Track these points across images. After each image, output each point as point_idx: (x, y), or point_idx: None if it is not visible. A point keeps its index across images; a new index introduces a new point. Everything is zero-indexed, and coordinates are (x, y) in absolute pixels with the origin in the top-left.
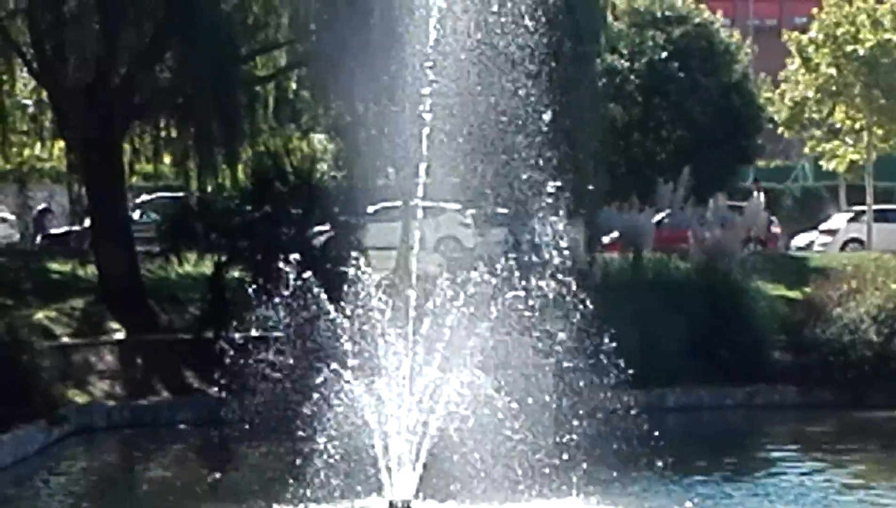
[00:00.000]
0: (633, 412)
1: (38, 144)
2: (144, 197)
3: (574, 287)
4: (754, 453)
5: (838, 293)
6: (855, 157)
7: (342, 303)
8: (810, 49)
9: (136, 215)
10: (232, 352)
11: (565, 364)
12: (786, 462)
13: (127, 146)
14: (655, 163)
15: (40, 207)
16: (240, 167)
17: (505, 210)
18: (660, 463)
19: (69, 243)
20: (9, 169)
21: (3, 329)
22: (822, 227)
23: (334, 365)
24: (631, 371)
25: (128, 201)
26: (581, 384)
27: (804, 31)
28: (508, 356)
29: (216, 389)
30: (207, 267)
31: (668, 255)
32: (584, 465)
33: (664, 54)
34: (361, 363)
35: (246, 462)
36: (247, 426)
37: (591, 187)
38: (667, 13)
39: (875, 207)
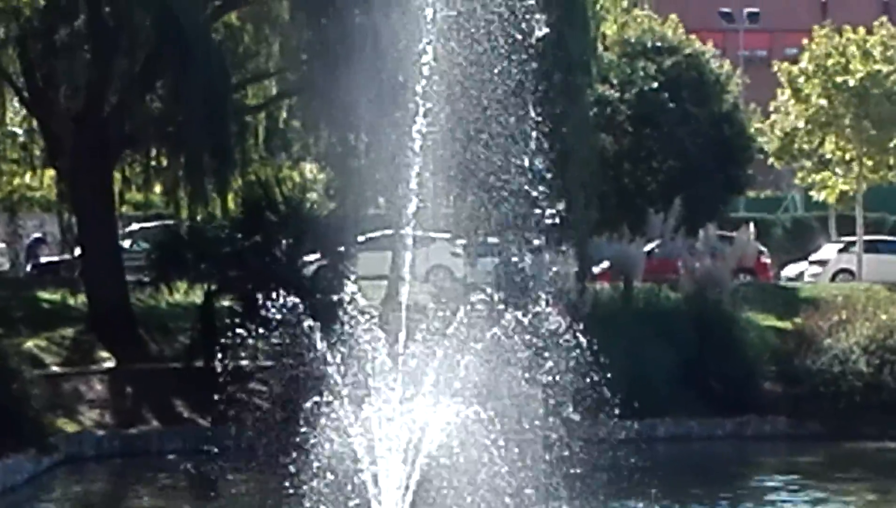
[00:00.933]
0: (623, 442)
1: (29, 173)
2: (135, 226)
3: (564, 317)
4: (745, 483)
5: (829, 324)
6: (845, 187)
7: (332, 332)
8: (801, 80)
9: (126, 243)
10: (222, 381)
11: (555, 394)
12: (778, 493)
13: (117, 175)
14: (646, 193)
15: (35, 235)
16: (230, 196)
17: (495, 240)
18: (654, 490)
19: (59, 272)
20: None
21: None
22: (813, 257)
23: (324, 395)
24: (621, 401)
25: (118, 230)
26: (571, 413)
27: (794, 62)
28: (498, 386)
29: (206, 418)
30: (197, 296)
31: (658, 285)
32: (574, 495)
33: (655, 85)
34: (351, 392)
35: (235, 491)
36: (237, 456)
37: (581, 217)
38: (657, 44)
39: (865, 237)
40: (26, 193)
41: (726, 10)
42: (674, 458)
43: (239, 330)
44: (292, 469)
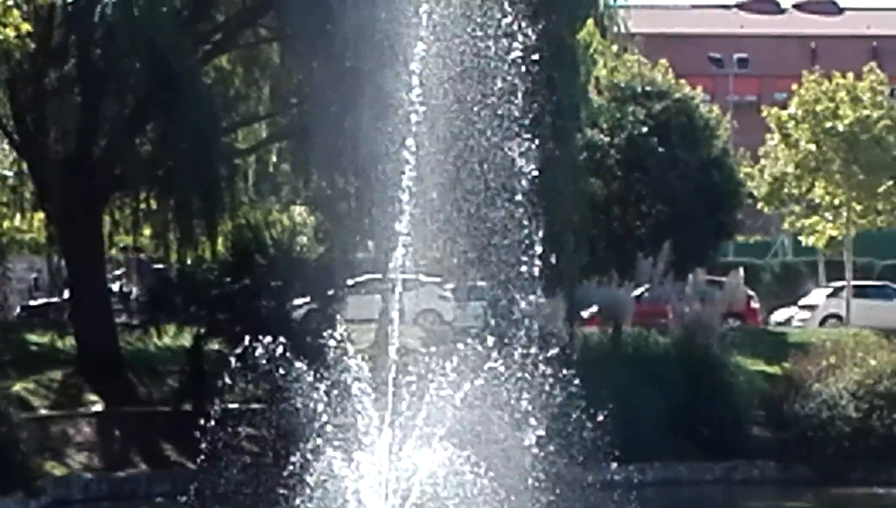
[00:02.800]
0: (612, 486)
1: (19, 216)
2: (124, 269)
3: (553, 361)
4: None
5: (817, 369)
6: (834, 232)
7: (322, 376)
8: (790, 125)
9: (115, 286)
10: (210, 425)
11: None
12: None
13: (107, 218)
14: (635, 237)
15: (33, 276)
16: (220, 239)
17: (484, 284)
18: None
19: (48, 315)
20: None
21: None
22: (802, 302)
23: (313, 438)
24: (610, 445)
25: (107, 273)
26: (560, 458)
27: (784, 107)
28: (487, 431)
29: (195, 461)
30: (186, 339)
31: (647, 329)
32: None
33: (644, 129)
34: (340, 436)
35: None
36: (225, 499)
37: (570, 261)
38: (647, 88)
39: (854, 282)
40: (16, 235)
41: (716, 55)
42: (663, 503)
43: (228, 373)
44: None
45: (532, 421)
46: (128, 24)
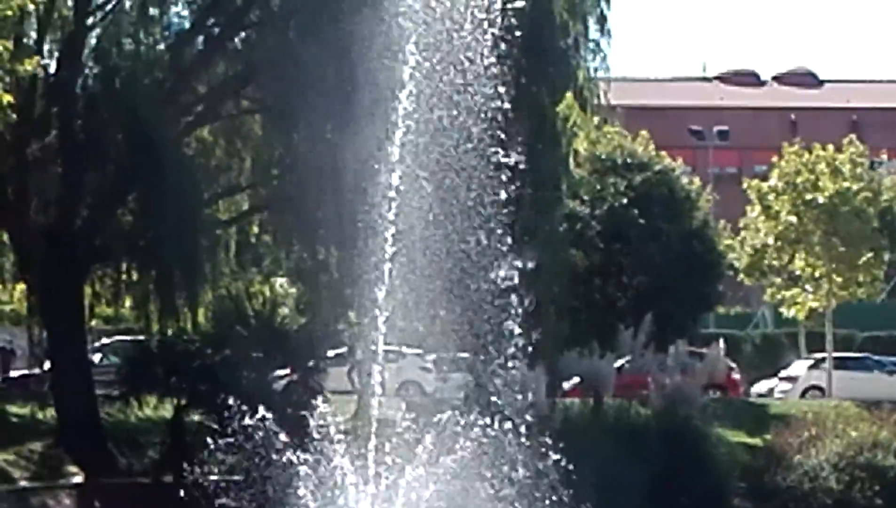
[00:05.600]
0: None
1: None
2: (105, 340)
3: (534, 432)
4: None
5: (798, 441)
6: (815, 304)
7: (303, 447)
8: (770, 197)
9: (96, 357)
10: (191, 496)
11: None
12: None
13: (88, 289)
14: (616, 309)
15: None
16: (201, 310)
17: (466, 355)
18: None
19: (29, 386)
20: None
21: None
22: (783, 374)
23: None
24: None
25: (88, 344)
26: None
27: (764, 178)
28: (468, 502)
29: None
30: (167, 410)
31: (628, 400)
32: None
33: (625, 201)
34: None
35: None
36: None
37: (551, 332)
38: (628, 160)
39: (835, 354)
40: None
41: (696, 127)
42: None
43: (209, 445)
44: None
45: (513, 493)
46: (110, 95)
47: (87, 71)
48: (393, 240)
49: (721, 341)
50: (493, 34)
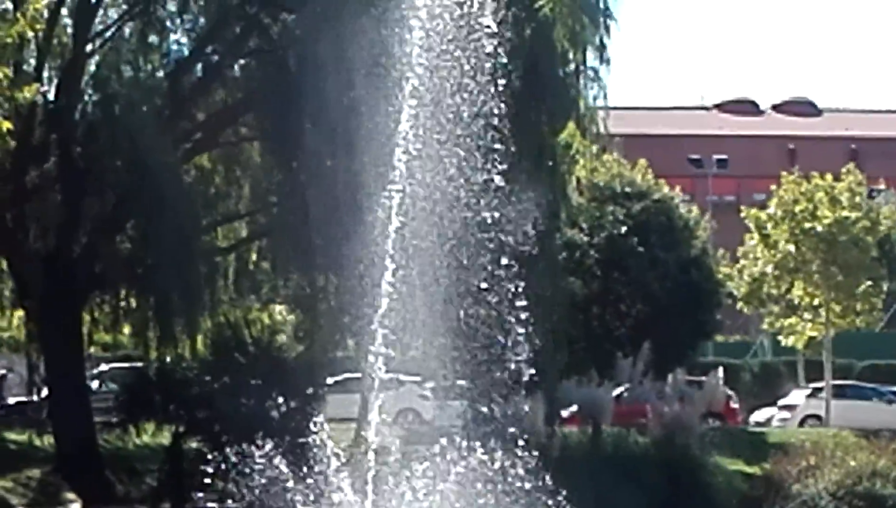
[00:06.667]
0: None
1: None
2: (103, 367)
3: (533, 461)
4: None
5: (797, 469)
6: (813, 333)
7: (301, 475)
8: (769, 225)
9: (94, 384)
10: None
11: None
12: None
13: (86, 316)
14: (614, 337)
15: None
16: (199, 338)
17: (464, 383)
18: None
19: (27, 413)
20: None
21: None
22: (781, 402)
23: None
24: None
25: (86, 371)
26: None
27: (763, 207)
28: None
29: None
30: (165, 438)
31: (626, 429)
32: None
33: (624, 229)
34: None
35: None
36: None
37: (550, 361)
38: (626, 189)
39: (833, 383)
40: None
41: (695, 156)
42: None
43: (206, 472)
44: None
45: None
46: (109, 122)
47: (86, 98)
48: (391, 268)
49: (719, 369)
50: (493, 63)
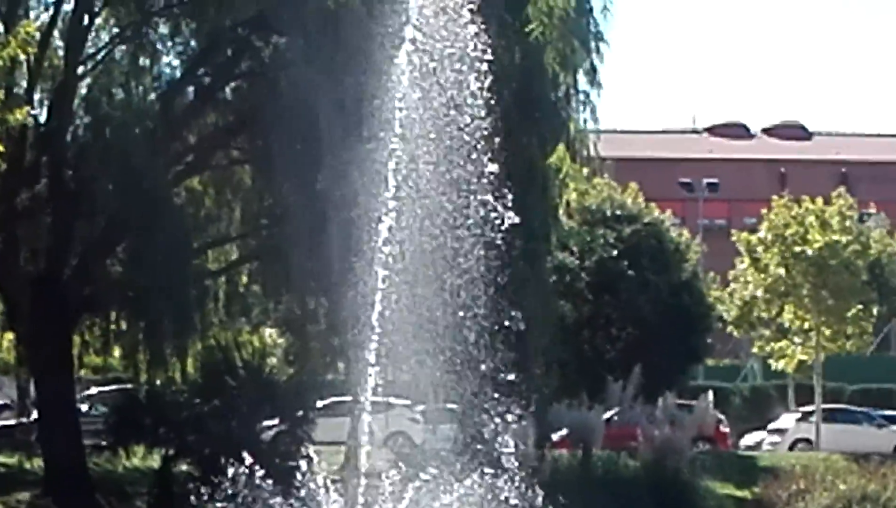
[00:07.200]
0: None
1: None
2: (93, 390)
3: (523, 484)
4: None
5: (787, 493)
6: (804, 357)
7: (291, 498)
8: (759, 249)
9: (84, 407)
10: None
11: None
12: None
13: (76, 338)
14: (605, 360)
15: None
16: (190, 360)
17: (454, 406)
18: None
19: (16, 436)
20: None
21: None
22: (771, 426)
23: None
24: None
25: (76, 394)
26: None
27: (753, 231)
28: None
29: None
30: (155, 461)
31: (617, 452)
32: None
33: (614, 252)
34: None
35: None
36: None
37: (540, 384)
38: (617, 212)
39: (824, 406)
40: None
41: (686, 179)
42: None
43: (197, 495)
44: None
45: None
46: (100, 144)
47: (77, 120)
48: (381, 291)
49: (710, 393)
50: (484, 86)
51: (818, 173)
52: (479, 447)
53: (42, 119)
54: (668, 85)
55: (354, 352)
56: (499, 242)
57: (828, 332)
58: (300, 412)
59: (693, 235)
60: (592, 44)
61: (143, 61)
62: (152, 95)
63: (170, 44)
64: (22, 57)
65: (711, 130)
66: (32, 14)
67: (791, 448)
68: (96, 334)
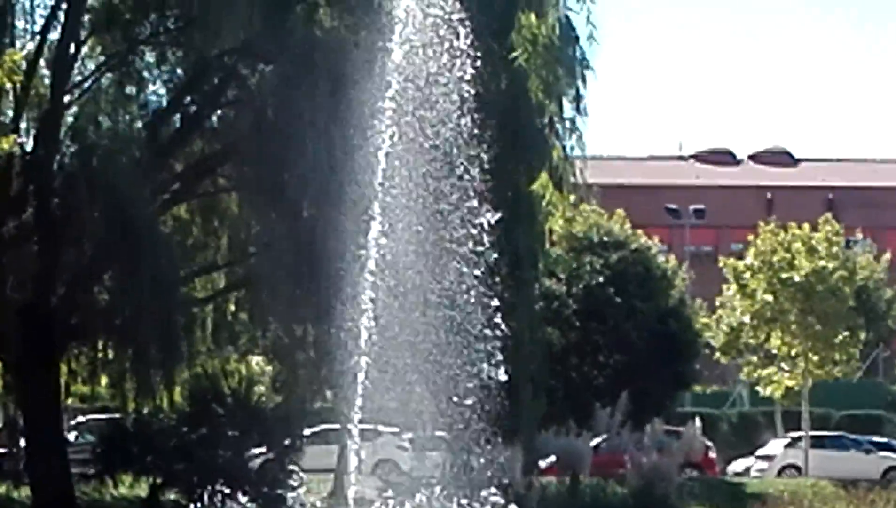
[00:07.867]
0: None
1: None
2: (80, 418)
3: None
4: None
5: None
6: (791, 383)
7: None
8: (746, 275)
9: (71, 436)
10: None
11: None
12: None
13: (63, 367)
14: (592, 387)
15: None
16: (177, 389)
17: (442, 433)
18: None
19: (3, 465)
20: None
21: None
22: (759, 452)
23: None
24: None
25: (63, 423)
26: None
27: (740, 257)
28: None
29: None
30: (143, 489)
31: (605, 479)
32: None
33: (601, 279)
34: None
35: None
36: None
37: (528, 411)
38: (604, 239)
39: (811, 433)
40: None
41: (672, 206)
42: None
43: None
44: None
45: None
46: (86, 173)
47: (63, 149)
48: (369, 319)
49: (697, 419)
50: (469, 114)
51: (805, 200)
52: (466, 474)
53: (28, 147)
54: (654, 111)
55: (342, 380)
56: (485, 269)
57: (815, 358)
58: (288, 441)
59: (680, 261)
60: (578, 71)
61: (130, 90)
62: (139, 124)
63: (156, 72)
64: (8, 85)
65: (698, 157)
66: (18, 43)
67: (779, 475)
68: (83, 362)
